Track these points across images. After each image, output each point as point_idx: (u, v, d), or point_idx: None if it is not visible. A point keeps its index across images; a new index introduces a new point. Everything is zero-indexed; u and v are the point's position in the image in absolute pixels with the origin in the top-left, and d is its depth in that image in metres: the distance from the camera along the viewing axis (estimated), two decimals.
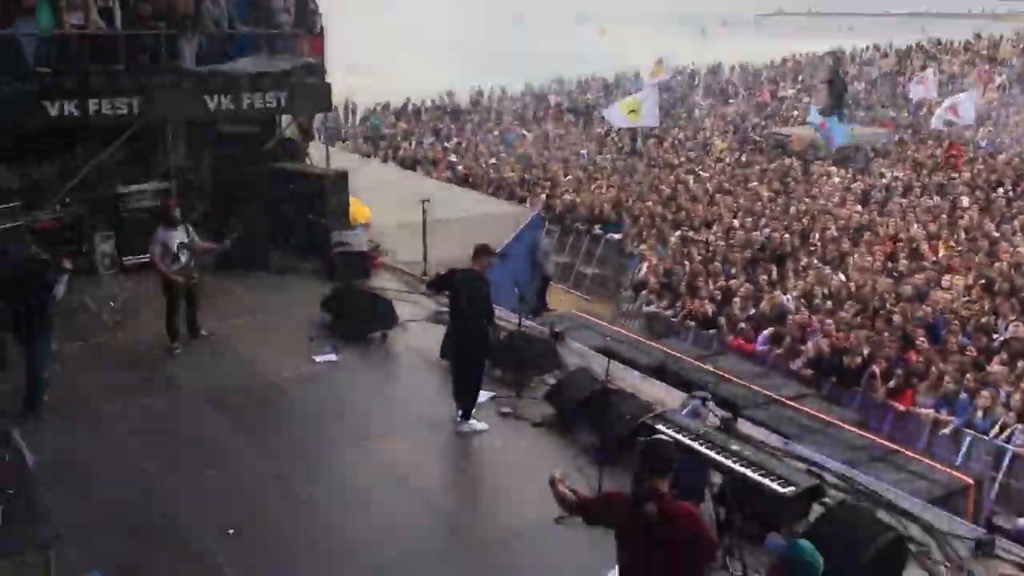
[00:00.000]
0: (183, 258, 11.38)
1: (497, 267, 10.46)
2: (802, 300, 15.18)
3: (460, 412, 9.76)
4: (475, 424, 9.72)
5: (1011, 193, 21.17)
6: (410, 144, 31.01)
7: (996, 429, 11.45)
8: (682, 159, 26.54)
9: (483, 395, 10.14)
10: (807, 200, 21.01)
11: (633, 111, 25.08)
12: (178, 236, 11.41)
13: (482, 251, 9.60)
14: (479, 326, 9.48)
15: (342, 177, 15.68)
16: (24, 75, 13.47)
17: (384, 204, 18.44)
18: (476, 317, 9.47)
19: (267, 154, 15.87)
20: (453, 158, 27.93)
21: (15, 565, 5.60)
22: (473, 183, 24.58)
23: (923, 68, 40.09)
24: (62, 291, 9.90)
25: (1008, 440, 11.31)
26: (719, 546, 5.33)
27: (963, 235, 17.95)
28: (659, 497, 5.17)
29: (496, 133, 32.81)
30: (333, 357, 11.54)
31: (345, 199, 15.79)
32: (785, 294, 15.36)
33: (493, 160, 27.34)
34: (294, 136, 17.55)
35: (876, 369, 12.65)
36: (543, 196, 22.68)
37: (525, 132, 32.75)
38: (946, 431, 11.71)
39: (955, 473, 9.58)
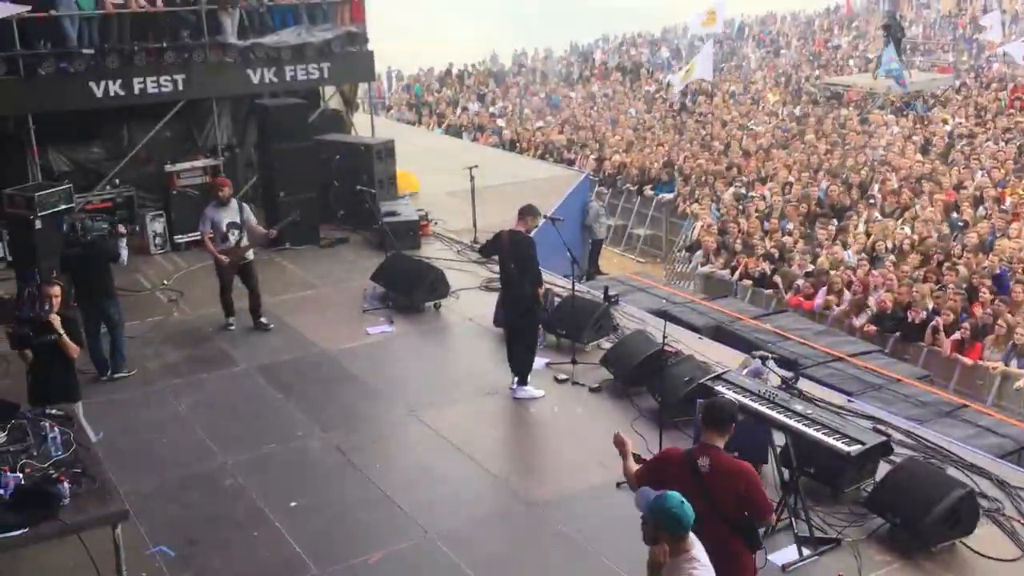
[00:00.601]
0: (232, 237, 11.27)
1: (547, 231, 10.48)
2: (863, 255, 14.94)
3: (516, 379, 9.80)
4: (531, 391, 9.76)
5: None
6: (454, 110, 30.97)
7: None
8: (734, 114, 26.16)
9: (538, 361, 10.18)
10: (866, 151, 20.60)
11: (688, 70, 24.89)
12: (228, 215, 11.29)
13: (526, 211, 9.55)
14: (527, 289, 9.46)
15: (388, 146, 15.75)
16: (68, 56, 13.69)
17: (431, 172, 18.50)
18: (522, 280, 9.46)
19: (312, 126, 15.98)
20: (500, 123, 27.85)
21: (84, 541, 5.78)
22: (520, 147, 24.52)
23: (984, 9, 38.88)
24: (125, 257, 10.56)
25: None
26: (772, 509, 5.37)
27: None
28: (713, 452, 5.28)
29: (542, 95, 32.62)
30: (387, 328, 11.65)
31: (392, 168, 15.89)
32: (845, 249, 15.13)
33: (540, 123, 27.22)
34: (338, 107, 17.65)
35: (941, 323, 12.44)
36: (592, 158, 22.56)
37: (571, 93, 32.50)
38: (1019, 384, 11.50)
39: None
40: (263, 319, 11.68)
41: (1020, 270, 13.49)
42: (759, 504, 5.31)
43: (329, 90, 17.36)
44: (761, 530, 5.86)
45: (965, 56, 33.80)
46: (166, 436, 9.14)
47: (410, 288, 12.29)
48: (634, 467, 5.54)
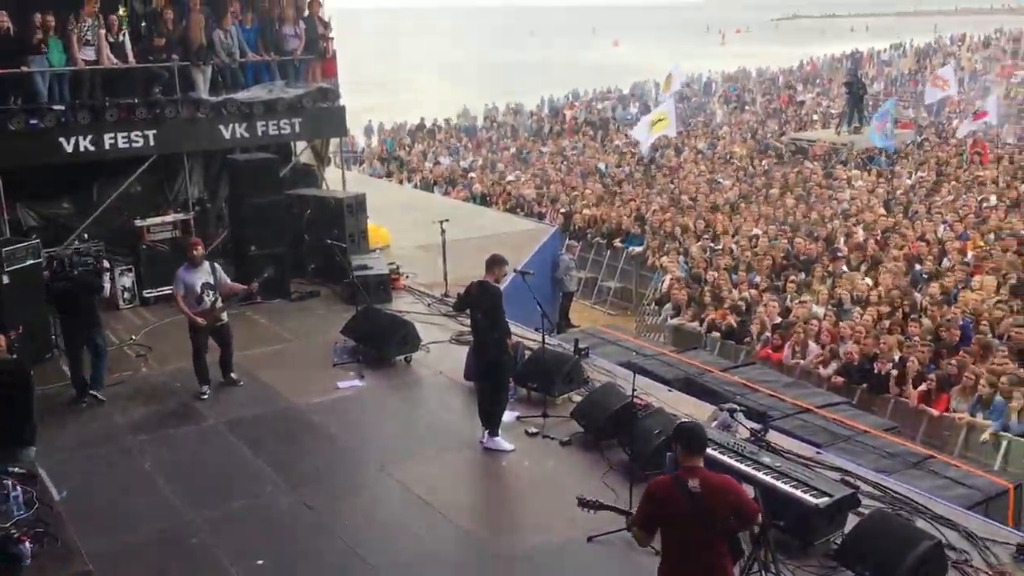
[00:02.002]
0: (208, 299, 11.05)
1: (518, 285, 10.51)
2: (830, 307, 15.09)
3: (486, 432, 9.78)
4: (502, 443, 9.73)
5: None
6: (426, 164, 31.17)
7: None
8: (702, 168, 26.51)
9: (509, 415, 10.16)
10: (831, 205, 20.91)
11: (661, 120, 25.14)
12: (202, 276, 11.06)
13: (494, 262, 9.61)
14: (496, 340, 9.48)
15: (359, 200, 15.80)
16: (39, 112, 13.68)
17: (402, 226, 18.55)
18: (490, 330, 9.49)
19: (284, 180, 16.02)
20: (471, 176, 28.04)
21: None
22: (491, 201, 24.67)
23: (942, 66, 39.85)
24: (107, 290, 11.25)
25: None
26: (759, 508, 5.50)
27: (992, 235, 17.80)
28: (699, 472, 5.43)
29: (513, 150, 32.92)
30: (358, 382, 11.59)
31: (363, 222, 15.91)
32: (813, 301, 15.27)
33: (511, 177, 27.43)
34: (310, 161, 17.72)
35: (908, 374, 12.54)
36: (562, 211, 22.72)
37: (542, 148, 32.84)
38: (985, 436, 11.60)
39: (993, 478, 9.48)
40: (233, 374, 11.54)
41: (984, 322, 13.66)
42: (749, 508, 5.50)
43: (300, 144, 17.43)
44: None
45: (925, 112, 34.56)
46: (132, 493, 8.99)
47: (381, 342, 12.25)
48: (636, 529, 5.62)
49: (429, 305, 14.47)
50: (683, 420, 6.28)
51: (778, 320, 14.87)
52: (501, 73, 66.43)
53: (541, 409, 10.43)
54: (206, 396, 11.22)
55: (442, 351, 12.56)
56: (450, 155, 32.97)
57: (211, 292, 11.10)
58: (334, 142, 19.55)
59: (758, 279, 16.69)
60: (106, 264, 12.17)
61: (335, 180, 18.14)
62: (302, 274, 15.42)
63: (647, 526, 5.51)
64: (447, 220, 14.74)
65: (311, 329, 13.54)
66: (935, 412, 12.18)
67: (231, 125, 15.26)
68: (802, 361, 13.85)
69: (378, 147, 35.73)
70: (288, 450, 9.86)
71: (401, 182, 28.70)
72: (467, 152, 33.30)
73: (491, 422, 9.77)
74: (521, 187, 25.61)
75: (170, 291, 11.86)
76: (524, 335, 12.18)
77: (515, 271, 10.60)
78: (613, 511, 5.90)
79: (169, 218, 14.96)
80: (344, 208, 15.48)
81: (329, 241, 14.50)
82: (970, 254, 16.74)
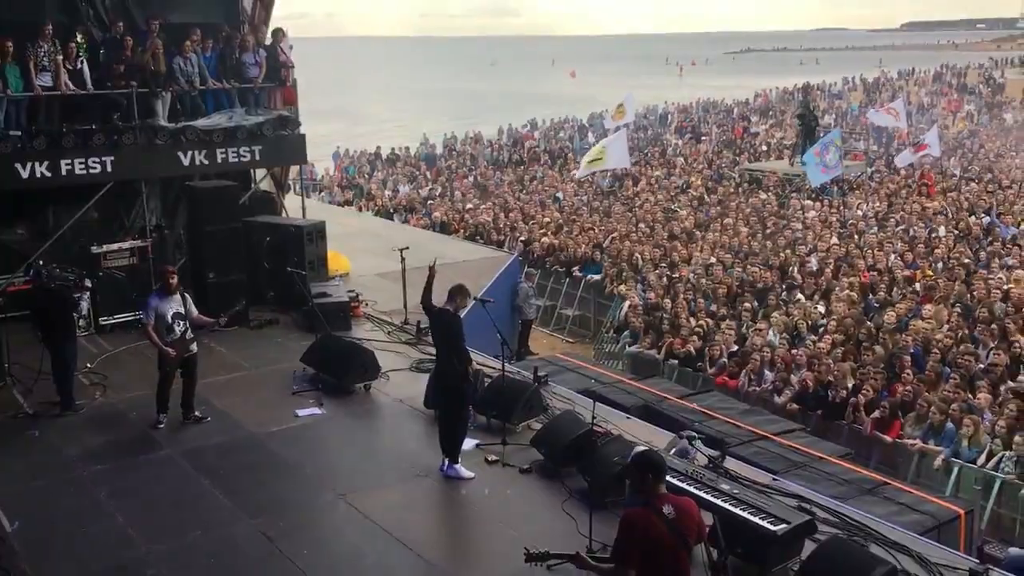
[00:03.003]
0: (178, 328, 10.82)
1: (478, 313, 10.52)
2: (784, 334, 15.27)
3: (446, 460, 9.75)
4: (461, 472, 9.70)
5: (985, 220, 21.48)
6: (385, 192, 31.14)
7: (983, 458, 11.52)
8: (659, 198, 26.77)
9: (468, 443, 10.14)
10: (785, 234, 21.21)
11: (597, 159, 25.33)
12: (173, 305, 10.84)
13: (456, 291, 9.63)
14: (456, 368, 9.48)
15: (319, 228, 15.73)
16: None
17: (362, 253, 18.49)
18: (450, 358, 9.50)
19: (243, 207, 15.91)
20: (430, 204, 28.05)
21: None
22: (450, 229, 24.68)
23: (892, 99, 40.75)
24: (85, 307, 11.07)
25: (996, 468, 11.37)
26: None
27: (940, 265, 18.16)
28: (669, 498, 5.57)
29: (471, 178, 33.01)
30: (317, 411, 11.50)
31: (323, 250, 15.85)
32: (768, 329, 15.45)
33: (470, 206, 27.48)
34: (269, 188, 17.64)
35: (861, 401, 12.72)
36: (521, 240, 22.79)
37: (501, 176, 32.96)
38: (937, 462, 11.77)
39: (945, 503, 9.61)
40: (197, 412, 11.26)
41: (934, 350, 13.89)
42: (703, 527, 5.79)
43: (260, 172, 17.34)
44: None
45: (875, 145, 35.24)
46: (87, 524, 8.80)
47: (340, 370, 12.18)
48: (606, 565, 5.61)
49: (389, 333, 14.41)
50: (643, 449, 6.30)
51: (735, 348, 15.01)
52: (461, 102, 66.71)
53: (501, 437, 10.40)
54: (162, 425, 11.03)
55: (402, 379, 12.52)
56: (410, 183, 32.98)
57: (182, 322, 10.89)
58: (294, 169, 19.47)
59: (714, 307, 16.85)
60: (88, 283, 12.28)
61: (295, 208, 18.05)
62: (261, 302, 15.28)
63: (630, 560, 5.46)
64: (407, 248, 14.71)
65: (270, 357, 13.43)
66: (888, 439, 12.35)
67: (190, 152, 15.15)
68: (758, 388, 13.98)
69: (337, 175, 35.65)
70: (247, 479, 9.72)
71: (361, 210, 28.63)
72: (426, 180, 33.32)
73: (451, 450, 9.74)
74: (480, 215, 25.67)
75: (126, 318, 11.70)
76: (484, 362, 12.16)
77: (475, 299, 10.60)
78: (561, 559, 5.88)
79: (127, 245, 14.78)
80: (304, 235, 15.41)
81: (289, 268, 14.41)
82: (918, 284, 17.03)
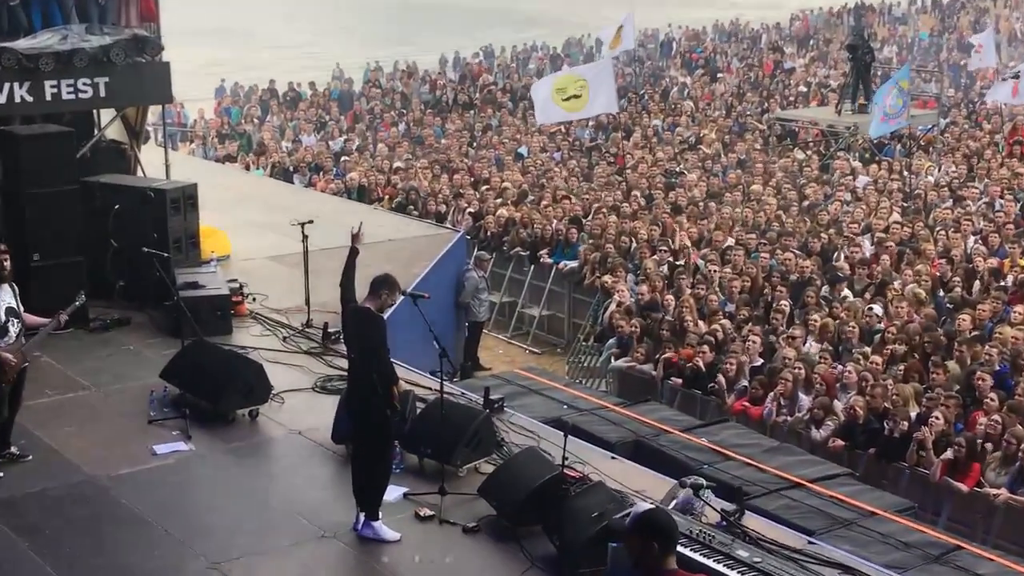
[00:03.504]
0: (13, 329, 10.71)
1: (409, 312, 10.50)
2: (826, 345, 15.38)
3: (362, 516, 9.75)
4: (383, 532, 9.70)
5: None
6: (283, 144, 30.94)
7: None
8: (659, 156, 26.85)
9: (393, 492, 10.14)
10: (829, 209, 21.36)
11: (575, 96, 24.48)
12: (5, 298, 10.75)
13: (381, 283, 9.66)
14: (373, 388, 9.50)
15: (188, 193, 15.59)
16: None
17: (249, 229, 18.38)
18: (367, 375, 9.52)
19: (82, 163, 15.72)
20: (344, 162, 27.91)
21: None
22: (373, 196, 24.56)
23: (975, 28, 41.01)
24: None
25: None
26: None
27: None
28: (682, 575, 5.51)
29: (403, 126, 32.88)
30: (182, 447, 11.43)
31: (194, 223, 15.74)
32: (804, 337, 15.56)
33: (399, 164, 27.37)
34: (119, 138, 17.43)
35: (929, 436, 12.84)
36: (470, 212, 22.75)
37: (443, 124, 32.87)
38: None
39: None
40: (13, 448, 11.04)
41: None
42: None
43: (107, 114, 17.13)
44: None
45: (952, 88, 35.60)
46: None
47: (216, 390, 12.13)
48: None
49: (285, 339, 14.36)
50: (647, 507, 6.27)
51: (759, 362, 15.09)
52: (390, 20, 66.48)
53: (438, 484, 10.37)
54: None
55: (302, 403, 12.47)
56: (316, 132, 32.77)
57: (16, 321, 10.85)
58: (154, 111, 19.23)
59: (732, 306, 16.94)
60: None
61: (155, 164, 17.88)
62: (107, 294, 15.13)
63: None
64: (310, 221, 14.66)
65: (118, 372, 13.33)
66: (964, 488, 12.47)
67: (8, 85, 14.94)
68: (789, 418, 14.07)
69: (216, 120, 35.35)
70: (82, 542, 9.64)
71: (248, 168, 28.42)
72: (339, 128, 33.14)
73: (369, 502, 9.74)
74: (414, 178, 25.58)
75: None
76: (415, 381, 12.13)
77: (404, 293, 10.57)
78: None
79: None
80: (167, 203, 15.28)
81: (145, 249, 14.24)
82: (1009, 277, 17.24)
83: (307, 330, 14.43)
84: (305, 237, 14.58)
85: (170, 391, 12.43)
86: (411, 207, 23.31)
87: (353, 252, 10.00)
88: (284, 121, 34.48)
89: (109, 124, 17.32)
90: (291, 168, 27.73)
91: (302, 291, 14.78)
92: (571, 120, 28.09)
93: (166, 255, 14.47)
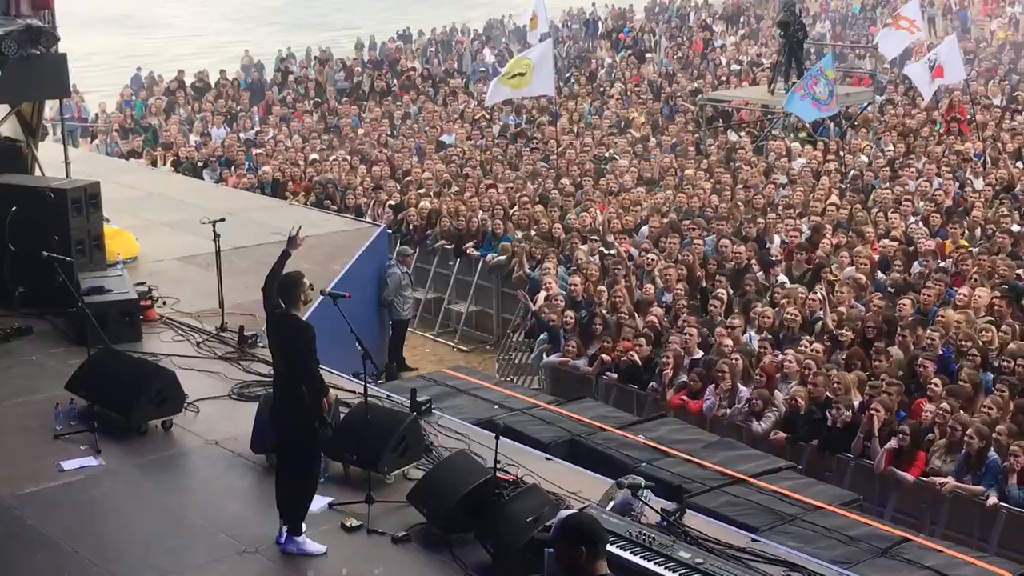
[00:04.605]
0: None
1: (328, 312, 10.47)
2: (766, 334, 15.51)
3: (285, 529, 9.71)
4: (308, 545, 9.68)
5: None
6: (191, 138, 30.64)
7: None
8: (587, 142, 26.94)
9: (318, 502, 10.10)
10: (765, 192, 21.55)
11: (520, 74, 24.91)
12: None
13: (290, 285, 9.63)
14: (300, 398, 9.47)
15: (91, 192, 15.41)
16: None
17: (157, 229, 18.23)
18: (295, 385, 9.51)
19: None
20: (256, 155, 27.70)
21: None
22: (287, 191, 24.40)
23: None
24: None
25: None
26: None
27: (977, 231, 18.67)
28: None
29: (317, 116, 32.71)
30: (91, 462, 11.33)
31: (97, 224, 15.55)
32: (742, 327, 15.67)
33: (314, 156, 27.22)
34: (13, 135, 17.20)
35: (874, 426, 12.99)
36: (391, 205, 22.68)
37: (360, 113, 32.75)
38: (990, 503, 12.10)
39: (988, 566, 9.88)
40: None
41: (971, 351, 14.25)
42: None
43: (0, 110, 16.88)
44: None
45: (887, 64, 36.00)
46: None
47: (126, 400, 12.02)
48: None
49: (199, 344, 14.26)
50: (571, 512, 6.32)
51: (698, 355, 15.18)
52: (303, 5, 66.11)
53: (364, 492, 10.33)
54: None
55: (218, 411, 12.41)
56: (227, 124, 32.50)
57: None
58: (51, 106, 18.96)
59: (669, 296, 17.02)
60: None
61: (54, 163, 17.64)
62: (5, 302, 14.98)
63: None
64: (222, 219, 14.57)
65: (19, 384, 13.20)
66: (909, 477, 12.64)
67: None
68: (729, 411, 14.18)
69: (120, 113, 34.93)
70: None
71: (155, 163, 28.11)
72: (251, 120, 32.89)
73: (293, 515, 9.71)
74: (330, 170, 25.44)
75: None
76: (337, 384, 12.08)
77: (324, 293, 10.52)
78: None
79: None
80: (68, 203, 15.07)
81: (46, 253, 14.03)
82: (949, 259, 17.49)
83: (222, 334, 14.34)
84: (217, 236, 14.47)
85: (77, 403, 12.27)
86: (328, 201, 23.19)
87: (284, 255, 9.95)
88: (191, 113, 34.15)
89: (3, 121, 17.06)
90: (200, 163, 27.46)
91: (215, 293, 14.67)
92: (516, 97, 28.18)
93: (68, 259, 14.29)
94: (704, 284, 17.34)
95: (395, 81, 37.01)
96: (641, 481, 9.60)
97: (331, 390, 10.11)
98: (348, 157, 26.72)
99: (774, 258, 17.88)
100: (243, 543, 9.82)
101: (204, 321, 14.81)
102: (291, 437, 9.70)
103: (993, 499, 12.07)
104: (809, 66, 26.64)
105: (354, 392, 11.58)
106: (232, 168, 26.85)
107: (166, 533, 10.14)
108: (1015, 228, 18.58)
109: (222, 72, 38.24)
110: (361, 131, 30.36)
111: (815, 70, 24.87)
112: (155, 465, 11.44)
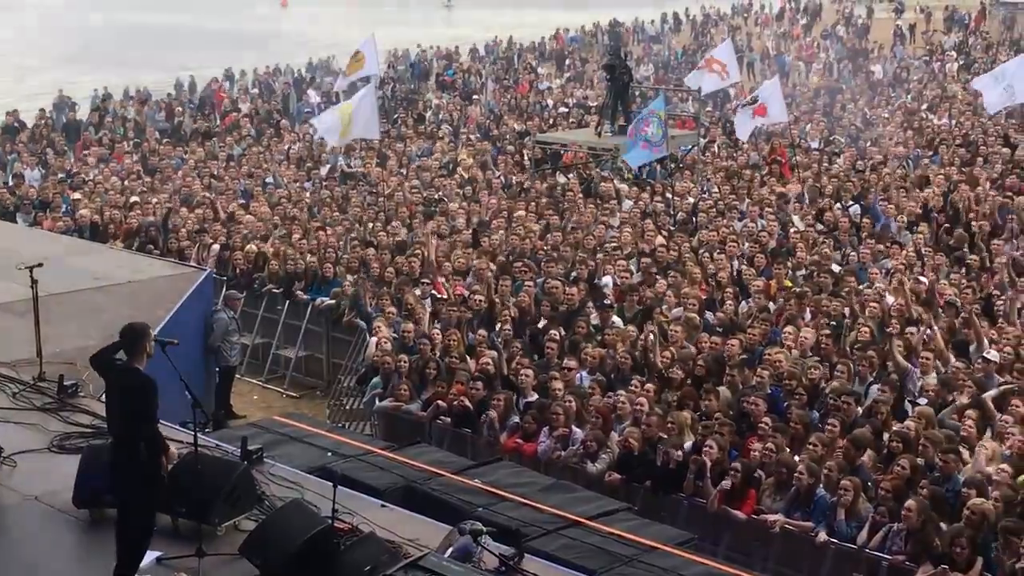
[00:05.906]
0: None
1: (156, 360, 10.27)
2: (598, 375, 15.71)
3: None
4: None
5: (854, 209, 23.04)
6: (4, 180, 29.81)
7: (863, 534, 12.28)
8: (415, 184, 27.02)
9: (148, 556, 9.95)
10: (595, 232, 21.88)
11: (342, 121, 25.35)
12: None
13: (133, 336, 9.66)
14: (137, 457, 9.41)
15: None
16: None
17: None
18: (133, 442, 9.49)
19: None
20: (74, 198, 27.05)
21: None
22: (107, 234, 23.87)
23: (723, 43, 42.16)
24: None
25: (882, 548, 12.12)
26: None
27: (801, 271, 19.29)
28: None
29: (136, 157, 32.12)
30: None
31: None
32: (577, 369, 15.85)
33: (135, 198, 26.69)
34: None
35: (705, 464, 13.25)
36: (215, 247, 22.38)
37: (183, 155, 32.25)
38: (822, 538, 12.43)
39: None
40: None
41: (797, 388, 14.68)
42: None
43: None
44: None
45: (710, 106, 37.02)
46: None
47: None
48: None
49: (15, 395, 13.78)
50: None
51: (532, 397, 15.30)
52: (120, 42, 64.92)
53: (195, 545, 10.17)
54: None
55: (37, 465, 12.06)
56: (41, 165, 31.67)
57: None
58: None
59: (500, 340, 17.12)
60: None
61: None
62: None
63: None
64: (40, 264, 14.16)
65: None
66: (741, 515, 12.93)
67: None
68: (563, 453, 14.30)
69: None
70: None
71: None
72: (67, 161, 32.11)
73: (124, 569, 9.58)
74: (152, 212, 24.97)
75: None
76: (166, 436, 11.81)
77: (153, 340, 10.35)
78: None
79: None
80: None
81: None
82: (772, 302, 18.01)
83: (40, 384, 13.88)
84: (34, 282, 14.05)
85: None
86: (150, 245, 22.75)
87: (117, 348, 9.85)
88: (3, 154, 33.19)
89: None
90: (13, 207, 26.68)
91: (33, 341, 14.25)
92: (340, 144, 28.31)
93: None
94: (537, 325, 17.51)
95: (218, 121, 36.59)
96: (481, 527, 9.64)
97: (171, 447, 9.99)
98: (170, 199, 26.28)
99: (604, 300, 18.14)
100: None
101: (21, 371, 14.36)
102: (126, 494, 9.66)
103: (823, 535, 12.44)
104: (635, 108, 27.21)
105: (182, 442, 11.37)
106: (47, 211, 26.13)
107: None
108: (835, 268, 19.27)
109: (41, 111, 37.37)
110: (182, 173, 29.91)
111: (646, 112, 25.44)
112: None
